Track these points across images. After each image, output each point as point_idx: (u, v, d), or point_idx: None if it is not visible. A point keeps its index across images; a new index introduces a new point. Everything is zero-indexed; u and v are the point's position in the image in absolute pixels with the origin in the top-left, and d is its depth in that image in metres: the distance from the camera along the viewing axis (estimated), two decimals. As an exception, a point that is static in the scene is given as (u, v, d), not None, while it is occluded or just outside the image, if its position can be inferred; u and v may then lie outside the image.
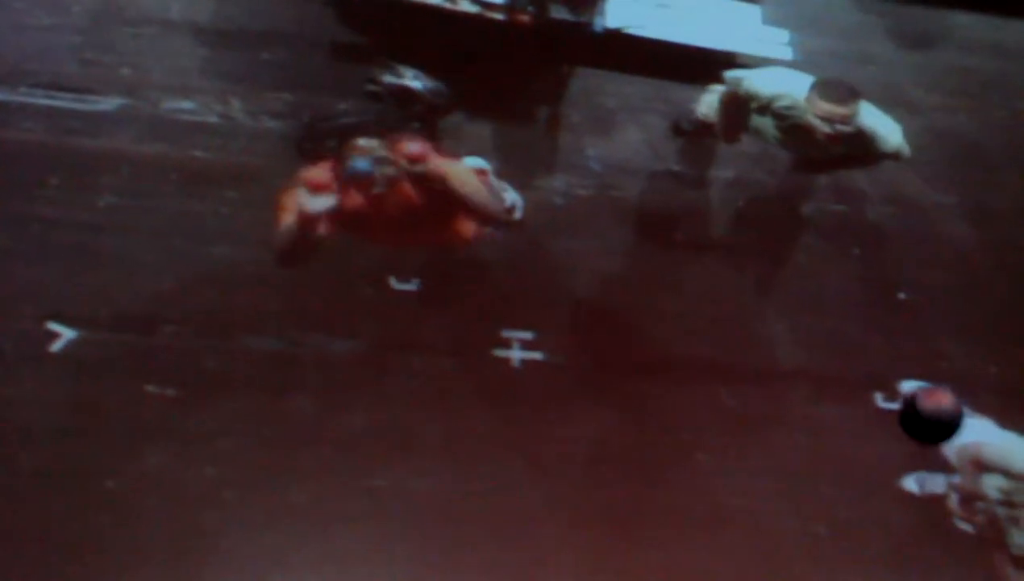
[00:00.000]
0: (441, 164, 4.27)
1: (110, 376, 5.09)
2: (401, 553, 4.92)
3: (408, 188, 4.27)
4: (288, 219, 4.18)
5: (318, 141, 4.52)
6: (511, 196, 5.21)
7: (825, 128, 4.66)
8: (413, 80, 5.09)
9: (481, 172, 4.61)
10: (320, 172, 4.17)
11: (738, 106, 5.14)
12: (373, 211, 4.28)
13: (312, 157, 4.49)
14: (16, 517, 4.81)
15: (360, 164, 4.08)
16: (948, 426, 4.22)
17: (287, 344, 5.27)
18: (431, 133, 4.85)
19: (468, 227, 4.72)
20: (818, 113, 4.65)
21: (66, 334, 5.10)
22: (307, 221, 4.03)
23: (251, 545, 4.88)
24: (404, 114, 4.87)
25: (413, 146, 4.21)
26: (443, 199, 4.33)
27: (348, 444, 5.14)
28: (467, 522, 5.06)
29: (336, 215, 4.20)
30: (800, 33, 6.05)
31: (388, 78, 5.10)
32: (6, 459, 4.91)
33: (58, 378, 5.06)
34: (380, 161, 4.12)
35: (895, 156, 5.03)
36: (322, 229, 4.14)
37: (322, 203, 4.02)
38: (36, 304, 5.14)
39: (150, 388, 5.09)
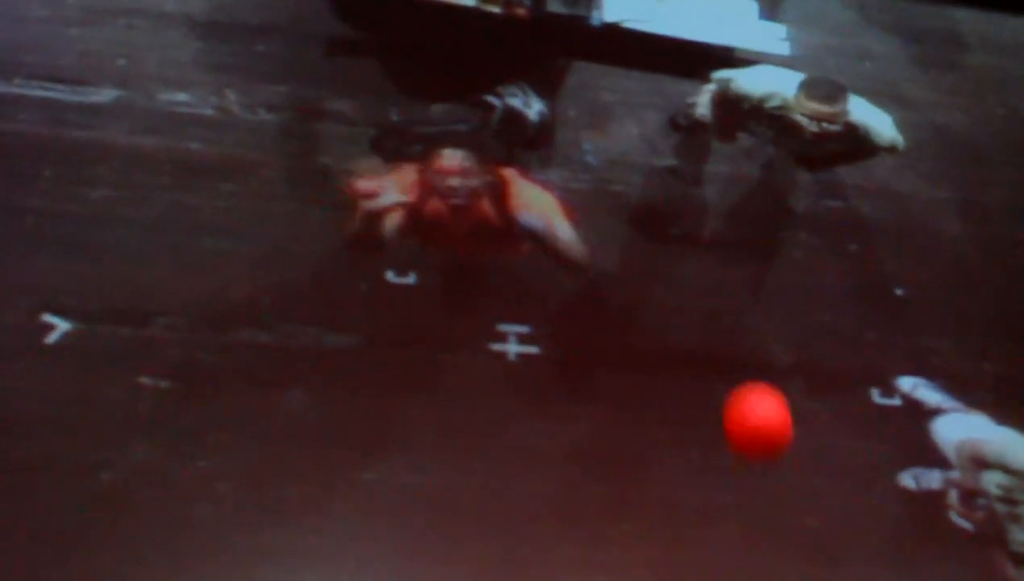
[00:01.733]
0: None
1: (104, 368, 5.07)
2: (394, 547, 4.91)
3: (486, 205, 4.25)
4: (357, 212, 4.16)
5: (402, 144, 4.51)
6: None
7: (813, 127, 4.66)
8: (535, 113, 5.08)
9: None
10: (369, 183, 4.14)
11: (730, 106, 5.14)
12: (449, 221, 4.25)
13: (390, 157, 4.48)
14: (9, 509, 4.78)
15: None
16: None
17: (281, 337, 5.25)
18: (510, 157, 4.85)
19: (523, 252, 4.70)
20: (805, 112, 4.65)
21: (61, 326, 5.09)
22: (370, 218, 3.98)
23: (244, 538, 4.85)
24: (501, 134, 4.85)
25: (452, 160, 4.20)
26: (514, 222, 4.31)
27: (342, 438, 5.12)
28: (461, 516, 5.04)
29: (412, 219, 4.17)
30: (797, 28, 6.04)
31: (514, 100, 5.10)
32: None
33: (52, 370, 5.03)
34: (463, 174, 4.09)
35: (891, 149, 5.02)
36: (389, 226, 4.09)
37: (383, 201, 3.99)
38: (31, 296, 5.12)
39: (144, 380, 5.07)
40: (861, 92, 5.17)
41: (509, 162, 4.30)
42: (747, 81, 5.00)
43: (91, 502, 4.85)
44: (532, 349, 5.45)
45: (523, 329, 5.48)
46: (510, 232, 4.35)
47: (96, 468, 4.92)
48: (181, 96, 5.52)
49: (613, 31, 5.66)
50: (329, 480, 5.05)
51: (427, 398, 5.26)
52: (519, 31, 5.54)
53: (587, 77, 5.96)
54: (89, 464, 4.91)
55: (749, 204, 5.92)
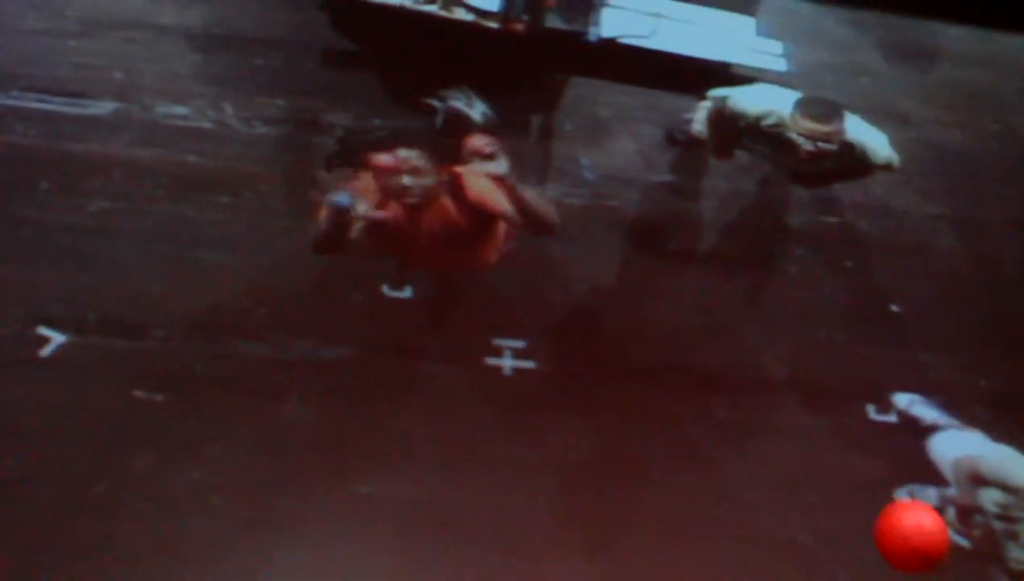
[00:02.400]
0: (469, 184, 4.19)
1: (99, 380, 5.08)
2: (390, 559, 4.91)
3: (448, 203, 4.22)
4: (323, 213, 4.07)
5: (350, 154, 4.48)
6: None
7: (808, 146, 4.66)
8: (478, 114, 5.09)
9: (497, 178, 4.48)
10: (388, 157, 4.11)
11: (726, 124, 5.15)
12: (410, 225, 4.22)
13: (342, 169, 4.45)
14: (3, 521, 4.79)
15: (341, 199, 4.01)
16: None
17: (277, 350, 5.25)
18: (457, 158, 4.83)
19: (493, 252, 4.67)
20: (801, 131, 4.66)
21: (56, 338, 5.09)
22: (336, 214, 3.93)
23: (238, 550, 4.86)
24: (450, 133, 4.84)
25: (481, 142, 4.19)
26: (481, 216, 4.25)
27: (337, 450, 5.12)
28: (457, 529, 5.04)
29: (373, 226, 4.16)
30: (794, 45, 6.06)
31: (457, 102, 5.10)
32: (-6, 463, 4.91)
33: (47, 382, 5.04)
34: (418, 172, 4.07)
35: (887, 167, 5.03)
36: (355, 229, 4.05)
37: (346, 200, 3.94)
38: (26, 308, 5.13)
39: (138, 393, 5.07)
40: (858, 109, 5.18)
41: (460, 161, 4.25)
42: (743, 99, 5.01)
43: (85, 513, 4.85)
44: (528, 363, 5.45)
45: (519, 343, 5.48)
46: (474, 230, 4.31)
47: (90, 480, 4.92)
48: (179, 109, 5.52)
49: (611, 47, 5.67)
50: (325, 492, 5.05)
51: (423, 411, 5.27)
52: (517, 46, 5.55)
53: (584, 92, 5.97)
54: (83, 476, 4.92)
55: (745, 219, 5.92)
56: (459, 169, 4.17)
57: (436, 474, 5.14)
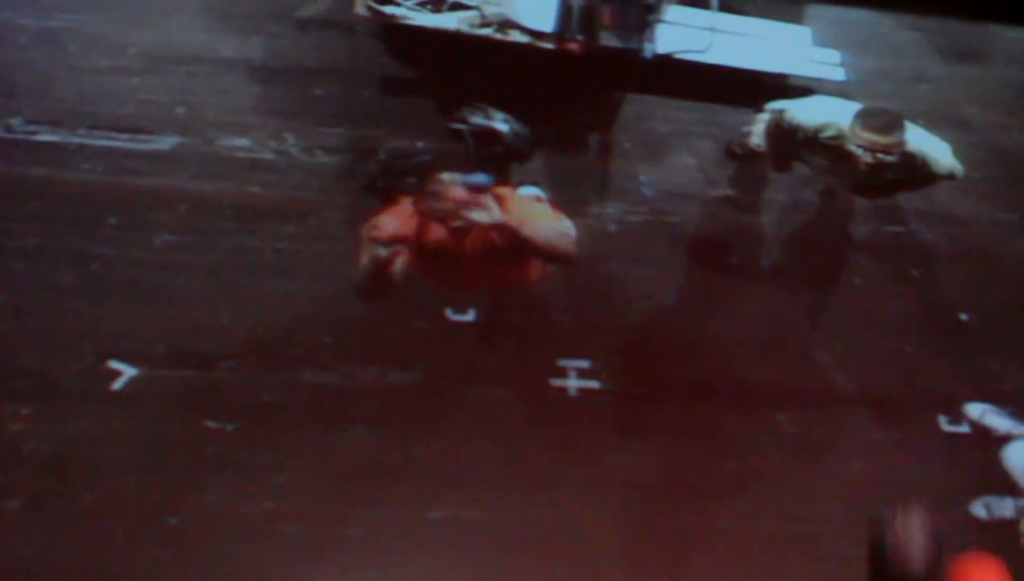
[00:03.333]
0: (513, 216, 4.14)
1: (171, 412, 5.16)
2: (461, 584, 4.94)
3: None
4: (364, 258, 4.06)
5: (393, 178, 4.50)
6: (566, 224, 5.20)
7: (867, 157, 4.61)
8: (501, 123, 5.11)
9: (539, 201, 4.47)
10: (388, 221, 4.12)
11: (784, 136, 5.12)
12: (453, 246, 4.23)
13: (386, 195, 4.46)
14: (79, 554, 4.87)
15: (480, 178, 3.99)
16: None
17: (344, 377, 5.30)
18: (503, 175, 4.83)
19: (536, 268, 4.67)
20: (860, 143, 4.60)
21: (127, 372, 5.16)
22: (380, 264, 3.93)
23: (310, 578, 4.90)
24: (482, 154, 4.86)
25: (459, 192, 4.14)
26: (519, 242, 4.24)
27: (405, 476, 5.16)
28: (527, 552, 5.06)
29: (417, 249, 4.18)
30: (851, 53, 6.00)
31: (476, 119, 5.13)
32: (70, 496, 4.99)
33: (120, 415, 5.12)
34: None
35: (950, 176, 4.97)
36: (397, 268, 4.04)
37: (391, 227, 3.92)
38: (97, 342, 5.22)
39: (210, 423, 5.14)
40: (918, 115, 5.13)
41: (504, 182, 4.22)
42: (801, 112, 4.97)
43: (159, 544, 4.91)
44: (592, 383, 5.45)
45: (583, 364, 5.48)
46: (513, 250, 4.29)
47: (164, 511, 4.99)
48: (241, 141, 5.58)
49: (666, 62, 5.65)
50: (394, 518, 5.08)
51: (489, 434, 5.28)
52: (573, 65, 5.55)
53: (642, 109, 5.95)
54: (158, 507, 4.99)
55: (808, 232, 5.88)
56: (502, 191, 4.16)
57: (505, 497, 5.15)
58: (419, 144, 5.05)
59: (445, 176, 3.97)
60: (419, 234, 4.17)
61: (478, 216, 3.89)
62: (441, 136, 5.35)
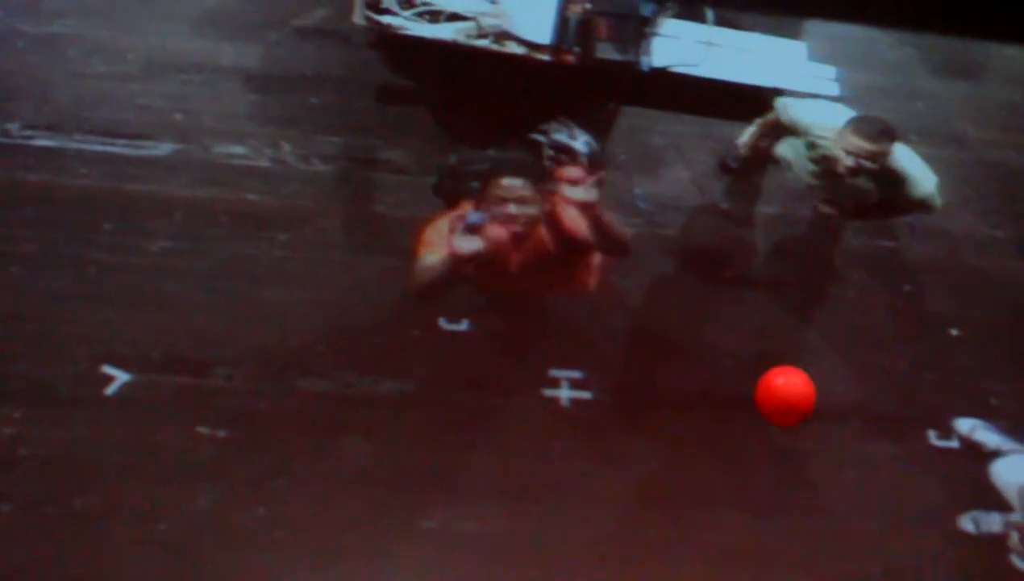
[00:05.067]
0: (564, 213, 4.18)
1: (163, 418, 5.16)
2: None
3: (544, 233, 4.23)
4: (431, 257, 4.03)
5: (460, 182, 4.51)
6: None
7: (848, 161, 4.63)
8: (583, 145, 5.13)
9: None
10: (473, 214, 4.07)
11: (778, 129, 5.17)
12: (509, 249, 4.23)
13: (451, 198, 4.47)
14: (71, 558, 4.88)
15: (473, 217, 4.00)
16: None
17: (338, 385, 5.31)
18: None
19: (588, 277, 4.68)
20: (845, 146, 4.63)
21: (120, 377, 5.17)
22: (459, 262, 3.91)
23: (303, 586, 4.93)
24: (556, 167, 4.86)
25: (573, 171, 4.15)
26: (572, 247, 4.26)
27: (398, 485, 5.17)
28: (517, 562, 5.07)
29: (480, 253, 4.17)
30: (847, 69, 6.03)
31: (560, 135, 5.15)
32: (61, 501, 5.00)
33: (113, 420, 5.13)
34: (524, 201, 4.02)
35: (923, 204, 4.97)
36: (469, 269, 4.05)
37: (473, 245, 3.89)
38: (91, 347, 5.22)
39: (203, 430, 5.15)
40: (912, 131, 5.17)
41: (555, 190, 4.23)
42: (803, 110, 5.01)
43: (151, 550, 4.92)
44: (585, 394, 5.47)
45: (576, 374, 5.50)
46: (564, 257, 4.31)
47: (156, 516, 5.00)
48: (237, 148, 5.59)
49: (662, 76, 5.67)
50: (386, 527, 5.10)
51: (482, 444, 5.30)
52: (569, 77, 5.57)
53: (637, 122, 5.97)
54: (150, 512, 5.00)
55: (800, 245, 5.90)
56: (557, 198, 4.17)
57: (497, 507, 5.17)
58: (489, 152, 5.04)
59: (506, 180, 4.00)
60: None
61: (580, 193, 4.01)
62: (438, 146, 5.39)
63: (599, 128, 5.91)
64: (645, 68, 5.54)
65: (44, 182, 5.41)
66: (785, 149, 5.26)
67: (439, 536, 5.09)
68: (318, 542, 5.03)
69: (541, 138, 5.23)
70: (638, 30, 5.51)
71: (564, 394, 5.46)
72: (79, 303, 5.28)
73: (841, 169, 4.70)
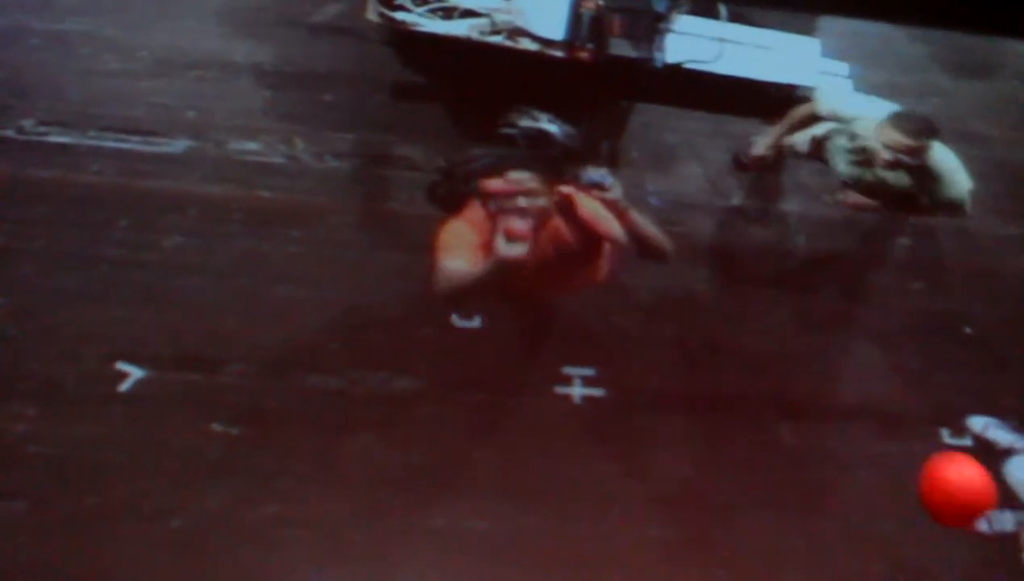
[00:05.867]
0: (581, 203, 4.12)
1: (176, 415, 5.17)
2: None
3: (560, 224, 4.20)
4: (455, 261, 3.96)
5: (456, 186, 4.48)
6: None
7: (886, 154, 4.61)
8: (548, 124, 5.12)
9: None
10: (518, 221, 4.03)
11: (802, 126, 5.16)
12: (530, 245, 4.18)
13: (450, 202, 4.43)
14: (83, 555, 4.89)
15: (595, 175, 4.04)
16: None
17: (349, 382, 5.31)
18: (559, 175, 4.80)
19: (603, 269, 4.67)
20: (884, 140, 4.61)
21: (134, 373, 5.18)
22: (506, 267, 3.74)
23: (313, 583, 4.94)
24: (539, 156, 4.86)
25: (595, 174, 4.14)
26: (590, 236, 4.20)
27: (408, 482, 5.17)
28: (526, 561, 5.07)
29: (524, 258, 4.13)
30: (860, 66, 6.01)
31: (524, 122, 5.14)
32: (73, 497, 5.00)
33: (125, 417, 5.14)
34: (532, 193, 3.92)
35: (953, 206, 4.94)
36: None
37: (518, 250, 3.84)
38: (104, 344, 5.23)
39: (215, 427, 5.16)
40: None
41: (564, 180, 4.20)
42: (845, 100, 5.01)
43: (163, 547, 4.93)
44: (597, 392, 5.46)
45: (588, 372, 5.49)
46: (587, 247, 4.27)
47: (168, 514, 5.00)
48: (251, 145, 5.60)
49: (676, 72, 5.66)
50: (396, 525, 5.09)
51: (493, 442, 5.29)
52: (582, 74, 5.56)
53: (650, 118, 5.96)
54: (161, 510, 5.01)
55: (816, 244, 5.88)
56: (570, 189, 4.14)
57: (508, 505, 5.16)
58: (477, 151, 5.04)
59: (514, 174, 3.93)
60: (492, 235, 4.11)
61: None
62: (456, 140, 5.39)
63: (612, 125, 5.92)
64: (658, 64, 5.52)
65: (57, 178, 5.42)
66: (801, 139, 5.25)
67: (448, 534, 5.09)
68: (327, 539, 5.03)
69: (511, 130, 5.23)
70: (651, 26, 5.49)
71: (577, 391, 5.45)
72: (91, 300, 5.29)
73: (879, 163, 4.68)
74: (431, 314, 5.44)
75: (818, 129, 5.28)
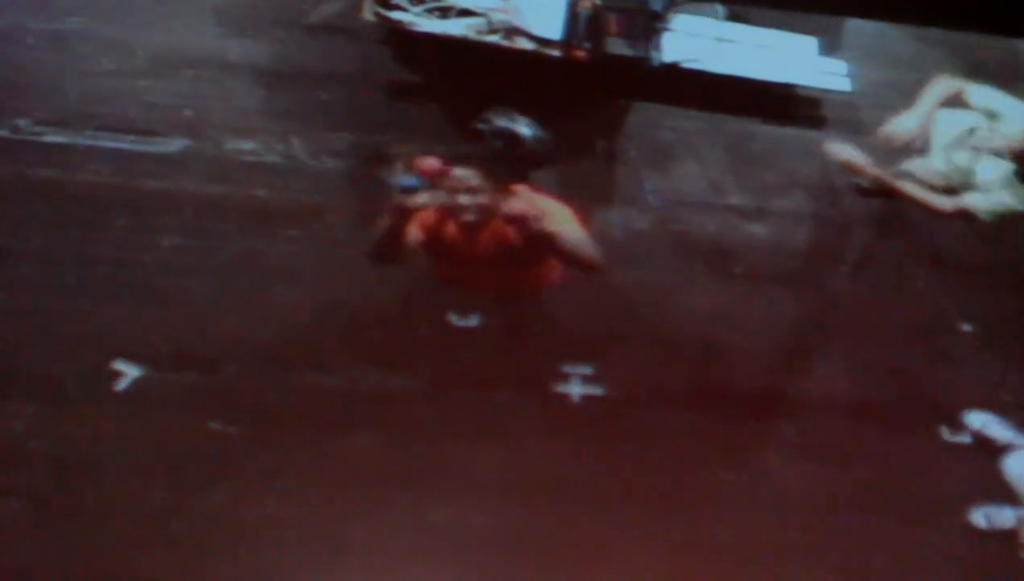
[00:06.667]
0: (550, 222, 4.07)
1: (174, 414, 5.16)
2: (462, 588, 4.94)
3: (502, 223, 4.24)
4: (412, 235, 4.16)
5: None
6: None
7: (1018, 148, 4.66)
8: (524, 128, 5.13)
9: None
10: (429, 160, 4.10)
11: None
12: (466, 244, 4.27)
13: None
14: (81, 554, 4.87)
15: (407, 180, 4.06)
16: None
17: (347, 381, 5.31)
18: (523, 178, 4.83)
19: (552, 273, 4.69)
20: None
21: (131, 373, 5.18)
22: (397, 212, 3.96)
23: (312, 581, 4.92)
24: (503, 156, 4.87)
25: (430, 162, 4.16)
26: (538, 239, 4.18)
27: (408, 480, 5.15)
28: (528, 558, 5.04)
29: (431, 241, 4.23)
30: (858, 64, 6.02)
31: (500, 120, 5.15)
32: (71, 497, 4.98)
33: (123, 416, 5.13)
34: (474, 191, 4.06)
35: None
36: (412, 238, 4.11)
37: (412, 181, 3.95)
38: (102, 343, 5.23)
39: (213, 425, 5.15)
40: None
41: (521, 180, 4.25)
42: (993, 97, 5.04)
43: (162, 547, 4.91)
44: (596, 390, 5.45)
45: (587, 370, 5.49)
46: (529, 250, 4.30)
47: (167, 513, 4.99)
48: (248, 144, 5.60)
49: (673, 71, 5.66)
50: (395, 522, 5.07)
51: (491, 439, 5.27)
52: (579, 73, 5.57)
53: (648, 117, 5.97)
54: (160, 509, 4.98)
55: (812, 240, 5.88)
56: (517, 188, 4.18)
57: (507, 502, 5.14)
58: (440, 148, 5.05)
59: (458, 171, 4.03)
60: (434, 229, 4.23)
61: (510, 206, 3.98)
62: (450, 139, 5.38)
63: (609, 124, 5.93)
64: (655, 63, 5.54)
65: (54, 178, 5.43)
66: (909, 122, 5.21)
67: (448, 531, 5.06)
68: (327, 537, 5.01)
69: (483, 127, 5.24)
70: (648, 25, 5.51)
71: (575, 390, 5.44)
72: (89, 299, 5.29)
73: (1009, 156, 4.70)
74: (429, 312, 5.44)
75: (962, 120, 5.25)
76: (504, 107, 5.17)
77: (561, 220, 4.17)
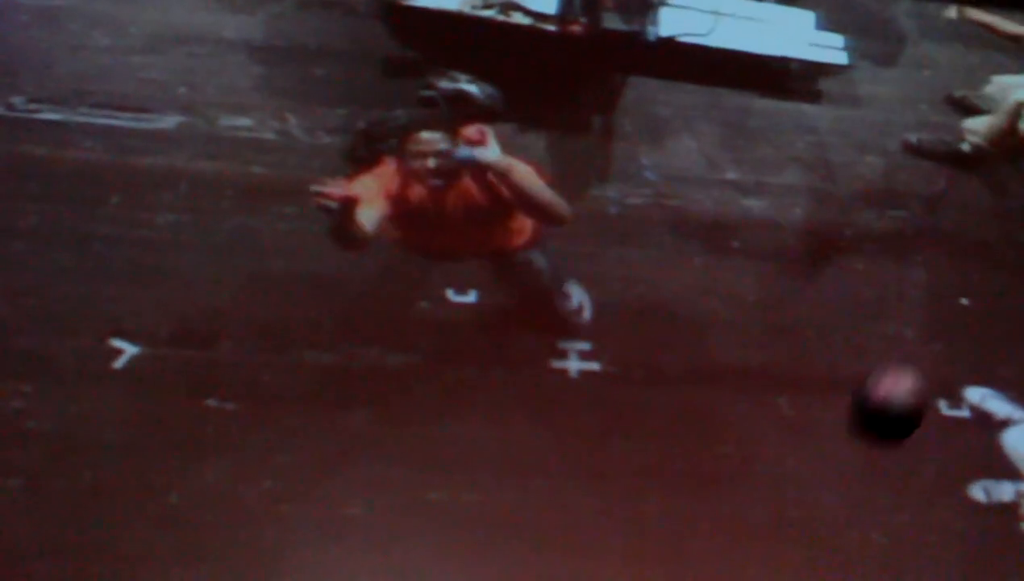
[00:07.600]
0: (506, 158, 4.18)
1: (171, 391, 5.13)
2: (458, 566, 4.91)
3: (470, 184, 4.25)
4: (368, 212, 4.11)
5: (374, 145, 4.52)
6: (577, 296, 5.25)
7: None
8: (468, 84, 5.11)
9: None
10: (369, 181, 4.18)
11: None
12: (434, 206, 4.26)
13: (368, 163, 4.47)
14: (78, 532, 4.86)
15: (463, 152, 4.08)
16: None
17: (344, 358, 5.29)
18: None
19: (521, 233, 4.69)
20: None
21: (128, 350, 5.16)
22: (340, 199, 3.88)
23: (308, 559, 4.89)
24: (458, 116, 4.87)
25: (471, 130, 4.19)
26: (504, 198, 4.25)
27: (404, 457, 5.14)
28: (524, 535, 5.04)
29: (396, 210, 4.22)
30: (854, 37, 6.00)
31: (443, 83, 5.12)
32: (69, 475, 4.96)
33: (120, 394, 5.10)
34: (443, 155, 4.09)
35: None
36: (369, 219, 4.09)
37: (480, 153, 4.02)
38: (98, 321, 5.20)
39: (211, 403, 5.13)
40: (920, 101, 5.12)
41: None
42: None
43: (159, 523, 4.91)
44: (593, 366, 5.44)
45: (584, 346, 5.48)
46: (496, 210, 4.31)
47: (165, 490, 4.97)
48: (242, 121, 5.58)
49: (669, 46, 5.64)
50: (392, 500, 5.06)
51: (489, 416, 5.26)
52: (575, 48, 5.54)
53: (644, 92, 5.95)
54: (158, 486, 4.97)
55: (811, 215, 5.87)
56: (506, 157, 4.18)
57: (503, 479, 5.13)
58: (397, 111, 5.04)
59: (425, 134, 4.07)
60: (400, 196, 4.24)
61: (479, 154, 4.05)
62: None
63: (605, 99, 5.90)
64: (652, 38, 5.52)
65: (48, 156, 5.40)
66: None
67: (445, 508, 5.06)
68: (324, 514, 4.99)
69: (431, 93, 5.23)
70: (645, 0, 5.48)
71: (573, 366, 5.43)
72: (84, 277, 5.26)
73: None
74: (426, 289, 5.43)
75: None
76: (441, 69, 5.15)
77: (527, 175, 4.18)
